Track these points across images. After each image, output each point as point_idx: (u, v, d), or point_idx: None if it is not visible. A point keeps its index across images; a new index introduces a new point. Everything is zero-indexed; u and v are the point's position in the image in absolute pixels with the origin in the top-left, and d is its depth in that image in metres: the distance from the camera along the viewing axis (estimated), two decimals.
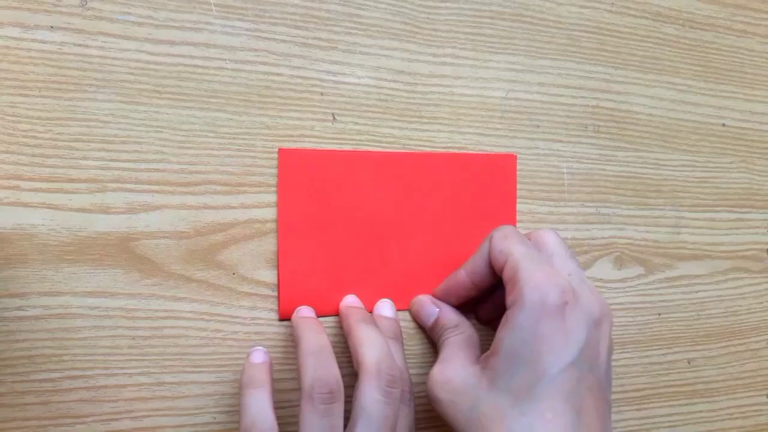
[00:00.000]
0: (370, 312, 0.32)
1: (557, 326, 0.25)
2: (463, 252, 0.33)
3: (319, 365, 0.26)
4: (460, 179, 0.33)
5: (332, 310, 0.31)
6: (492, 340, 0.28)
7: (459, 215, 0.33)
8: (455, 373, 0.27)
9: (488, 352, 0.27)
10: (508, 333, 0.26)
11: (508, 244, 0.28)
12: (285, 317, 0.31)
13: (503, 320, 0.27)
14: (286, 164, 0.31)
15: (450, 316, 0.31)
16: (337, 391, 0.26)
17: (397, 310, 0.32)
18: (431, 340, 0.33)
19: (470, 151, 0.34)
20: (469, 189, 0.33)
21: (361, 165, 0.32)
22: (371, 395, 0.26)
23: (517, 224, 0.35)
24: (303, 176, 0.31)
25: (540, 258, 0.28)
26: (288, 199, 0.31)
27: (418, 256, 0.33)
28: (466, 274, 0.31)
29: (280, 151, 0.31)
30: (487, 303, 0.32)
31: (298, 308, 0.30)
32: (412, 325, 0.33)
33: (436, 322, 0.31)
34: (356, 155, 0.32)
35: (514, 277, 0.26)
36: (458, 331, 0.30)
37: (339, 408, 0.26)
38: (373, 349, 0.27)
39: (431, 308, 0.32)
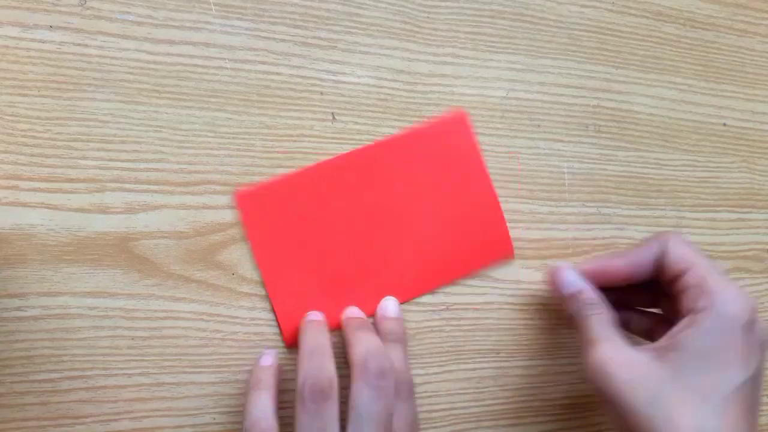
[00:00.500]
0: (372, 314, 0.32)
1: (745, 341, 0.27)
2: (446, 226, 0.33)
3: (312, 364, 0.26)
4: (419, 155, 0.33)
5: (333, 324, 0.31)
6: None
7: (431, 191, 0.33)
8: (632, 356, 0.27)
9: (662, 344, 0.28)
10: (698, 335, 0.27)
11: (690, 252, 0.29)
12: (292, 345, 0.31)
13: (687, 321, 0.27)
14: (246, 207, 0.30)
15: (593, 292, 0.31)
16: (329, 389, 0.26)
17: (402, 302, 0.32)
18: (432, 340, 0.33)
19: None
20: (431, 162, 0.33)
21: (318, 178, 0.31)
22: (360, 390, 0.26)
23: (518, 225, 0.34)
24: (267, 211, 0.30)
25: (724, 274, 0.29)
26: (260, 238, 0.30)
27: (405, 244, 0.32)
28: (625, 263, 0.31)
29: (237, 196, 0.30)
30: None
31: (308, 313, 0.30)
32: (413, 324, 0.33)
33: (579, 294, 0.31)
34: (309, 171, 0.31)
35: (703, 284, 0.28)
36: (601, 310, 0.30)
37: (331, 407, 0.26)
38: (361, 345, 0.27)
39: (576, 278, 0.31)
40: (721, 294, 0.27)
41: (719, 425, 0.25)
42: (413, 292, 0.33)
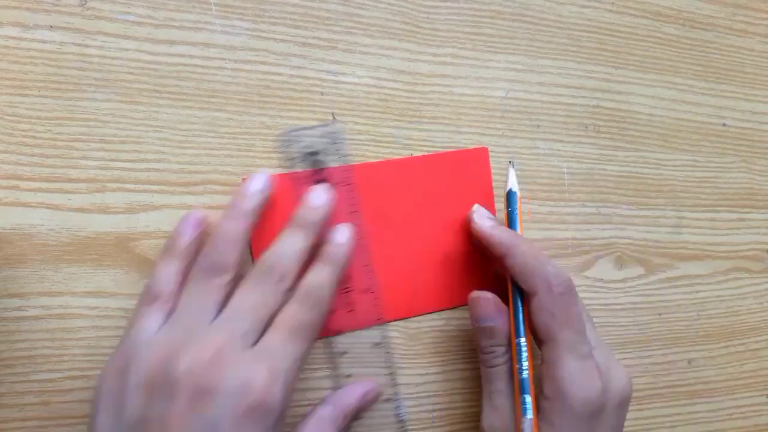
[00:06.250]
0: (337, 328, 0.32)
1: (595, 426, 0.28)
2: (449, 252, 0.33)
3: (223, 248, 0.27)
4: (436, 180, 0.33)
5: (328, 331, 0.31)
6: None
7: (440, 216, 0.33)
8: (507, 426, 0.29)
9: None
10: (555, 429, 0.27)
11: (505, 236, 0.30)
12: None
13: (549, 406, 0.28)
14: None
15: (504, 336, 0.30)
16: (223, 271, 0.27)
17: (392, 320, 0.32)
18: (432, 340, 0.33)
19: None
20: (445, 189, 0.33)
21: (329, 181, 0.31)
22: (242, 283, 0.27)
23: (519, 225, 0.34)
24: (273, 201, 0.30)
25: (571, 340, 0.28)
26: (260, 225, 0.29)
27: (405, 262, 0.32)
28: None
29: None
30: None
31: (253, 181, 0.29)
32: (413, 324, 0.33)
33: (492, 334, 0.30)
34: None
35: (550, 358, 0.28)
36: (502, 362, 0.30)
37: (218, 287, 0.26)
38: (276, 245, 0.27)
39: (494, 313, 0.30)
40: (566, 386, 0.27)
41: None
42: (396, 313, 0.32)
